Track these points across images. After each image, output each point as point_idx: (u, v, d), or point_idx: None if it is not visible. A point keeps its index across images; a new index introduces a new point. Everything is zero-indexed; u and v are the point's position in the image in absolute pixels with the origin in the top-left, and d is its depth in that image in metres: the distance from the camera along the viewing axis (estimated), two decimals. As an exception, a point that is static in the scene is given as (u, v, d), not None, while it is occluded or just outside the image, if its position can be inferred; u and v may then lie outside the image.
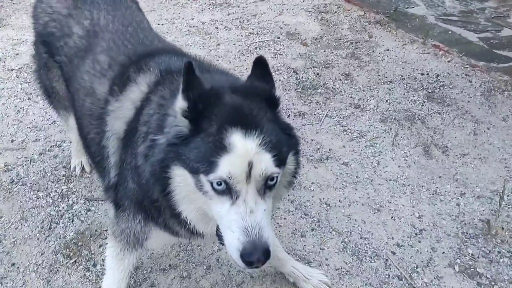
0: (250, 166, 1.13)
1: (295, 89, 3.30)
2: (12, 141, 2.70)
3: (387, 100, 3.21)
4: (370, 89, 3.32)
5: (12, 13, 4.16)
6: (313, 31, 4.06)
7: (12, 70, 3.33)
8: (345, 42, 3.91)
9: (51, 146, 2.68)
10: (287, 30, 4.06)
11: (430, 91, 3.32)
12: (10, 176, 2.46)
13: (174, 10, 4.35)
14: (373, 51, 3.79)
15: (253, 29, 4.06)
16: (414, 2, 4.60)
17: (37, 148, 2.66)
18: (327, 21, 4.23)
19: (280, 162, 1.19)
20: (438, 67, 3.59)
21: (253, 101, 1.24)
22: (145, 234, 1.57)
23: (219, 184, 1.16)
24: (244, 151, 1.13)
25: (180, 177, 1.22)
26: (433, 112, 3.12)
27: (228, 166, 1.13)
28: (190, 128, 1.20)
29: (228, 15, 4.31)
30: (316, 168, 2.62)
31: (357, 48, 3.82)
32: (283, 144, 1.22)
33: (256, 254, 1.15)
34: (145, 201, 1.42)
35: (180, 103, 1.21)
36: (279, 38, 3.93)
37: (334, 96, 3.24)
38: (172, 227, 1.45)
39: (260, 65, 1.29)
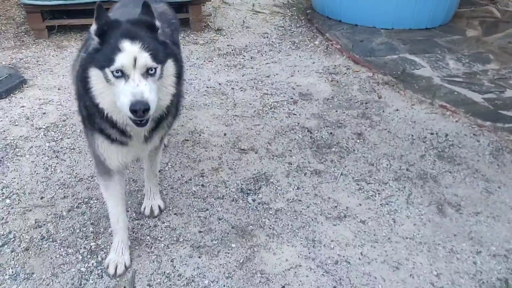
0: (135, 60, 1.79)
1: (310, 148, 3.44)
2: (42, 198, 2.81)
3: (399, 159, 3.34)
4: (382, 148, 3.46)
5: (38, 74, 4.40)
6: (325, 92, 4.26)
7: (39, 128, 3.50)
8: (356, 102, 4.10)
9: (79, 203, 2.79)
10: (299, 90, 4.27)
11: (440, 150, 3.45)
12: (40, 233, 2.56)
13: (191, 71, 4.59)
14: (383, 111, 3.96)
15: (267, 90, 4.26)
16: (420, 64, 4.83)
17: (65, 205, 2.77)
18: (337, 82, 4.45)
19: (156, 59, 1.85)
20: (447, 126, 3.74)
21: (139, 26, 1.91)
22: (101, 153, 2.14)
23: (117, 72, 1.79)
24: (130, 51, 1.80)
25: (94, 76, 1.85)
26: (444, 171, 3.23)
27: (121, 60, 1.78)
28: (99, 42, 1.85)
29: (242, 76, 4.54)
30: (335, 225, 2.71)
31: (367, 108, 4.00)
32: (159, 50, 1.89)
33: (138, 105, 1.75)
34: (83, 112, 2.05)
35: (93, 26, 1.87)
36: (292, 98, 4.12)
37: (348, 154, 3.37)
38: (106, 130, 2.03)
39: (146, 6, 1.96)
